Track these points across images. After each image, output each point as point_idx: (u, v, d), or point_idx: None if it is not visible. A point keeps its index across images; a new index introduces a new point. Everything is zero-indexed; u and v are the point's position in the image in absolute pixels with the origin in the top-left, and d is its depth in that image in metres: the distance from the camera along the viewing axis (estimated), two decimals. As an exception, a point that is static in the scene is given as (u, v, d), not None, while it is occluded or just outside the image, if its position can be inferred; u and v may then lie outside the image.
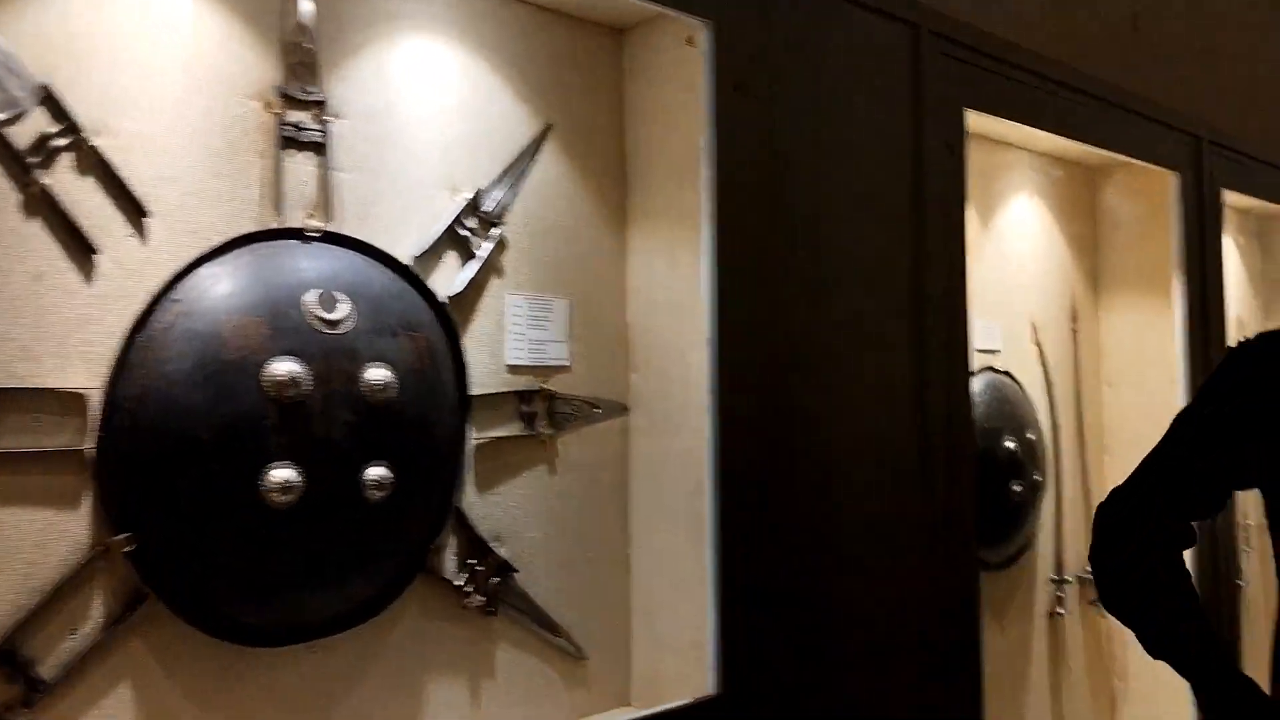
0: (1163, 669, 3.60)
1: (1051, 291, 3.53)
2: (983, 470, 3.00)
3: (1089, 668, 3.57)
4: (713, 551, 2.01)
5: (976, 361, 3.16)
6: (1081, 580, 3.53)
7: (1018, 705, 3.26)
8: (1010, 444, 3.09)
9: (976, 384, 3.11)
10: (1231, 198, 3.85)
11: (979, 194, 3.26)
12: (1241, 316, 4.60)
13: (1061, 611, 3.39)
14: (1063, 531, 3.43)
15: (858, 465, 2.34)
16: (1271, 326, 4.34)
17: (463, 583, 1.94)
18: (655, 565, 2.16)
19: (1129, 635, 3.54)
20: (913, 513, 2.43)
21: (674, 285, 2.14)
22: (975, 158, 3.21)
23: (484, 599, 1.96)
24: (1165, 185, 3.50)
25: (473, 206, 1.99)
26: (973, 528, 2.56)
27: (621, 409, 2.21)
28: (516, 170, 2.06)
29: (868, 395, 2.37)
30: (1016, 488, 3.09)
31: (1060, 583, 3.40)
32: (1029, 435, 3.18)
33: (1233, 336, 4.50)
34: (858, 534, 2.33)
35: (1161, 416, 3.53)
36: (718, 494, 2.01)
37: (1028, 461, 3.16)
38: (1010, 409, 3.16)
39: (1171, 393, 3.50)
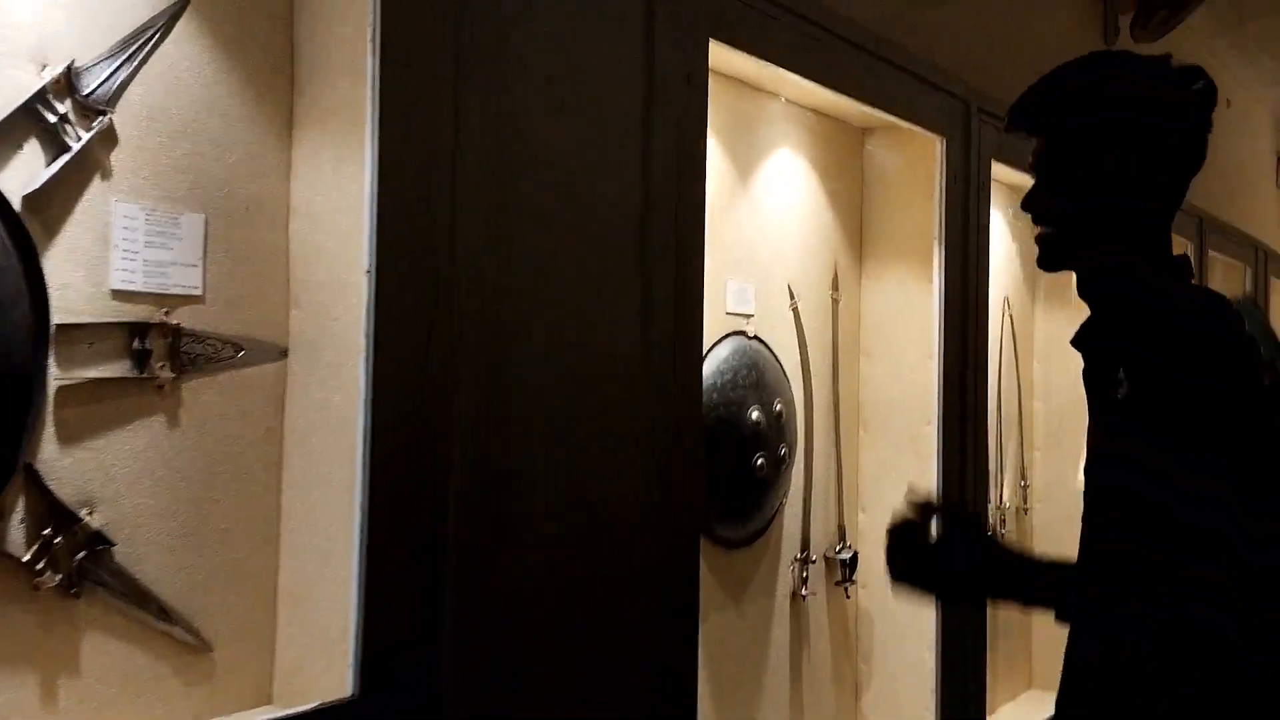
0: (907, 652, 3.52)
1: (813, 256, 3.35)
2: (725, 443, 2.78)
3: (834, 651, 3.44)
4: (360, 525, 1.67)
5: (726, 325, 2.93)
6: (828, 560, 3.38)
7: (755, 689, 3.08)
8: (756, 415, 2.88)
9: (724, 349, 2.89)
10: (1002, 172, 3.77)
11: (737, 145, 3.02)
12: (1009, 296, 4.59)
13: (805, 593, 3.23)
14: (811, 509, 3.27)
15: (564, 431, 2.05)
16: (1040, 308, 4.26)
17: (30, 557, 1.54)
18: (306, 541, 1.81)
19: (874, 616, 3.41)
20: (630, 486, 2.16)
21: (341, 205, 1.78)
22: (735, 105, 2.97)
23: (63, 577, 1.57)
24: (932, 151, 3.36)
25: (66, 86, 1.57)
26: (700, 503, 2.33)
27: (277, 352, 1.84)
28: (136, 46, 1.65)
29: (580, 352, 2.08)
30: (760, 461, 2.89)
31: (805, 562, 3.23)
32: (777, 407, 2.98)
33: (997, 315, 4.48)
34: (561, 509, 2.04)
35: (916, 392, 3.43)
36: (369, 459, 1.67)
37: (774, 434, 2.96)
38: (760, 378, 2.95)
39: (926, 368, 3.38)
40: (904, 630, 3.44)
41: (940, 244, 3.32)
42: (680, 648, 2.30)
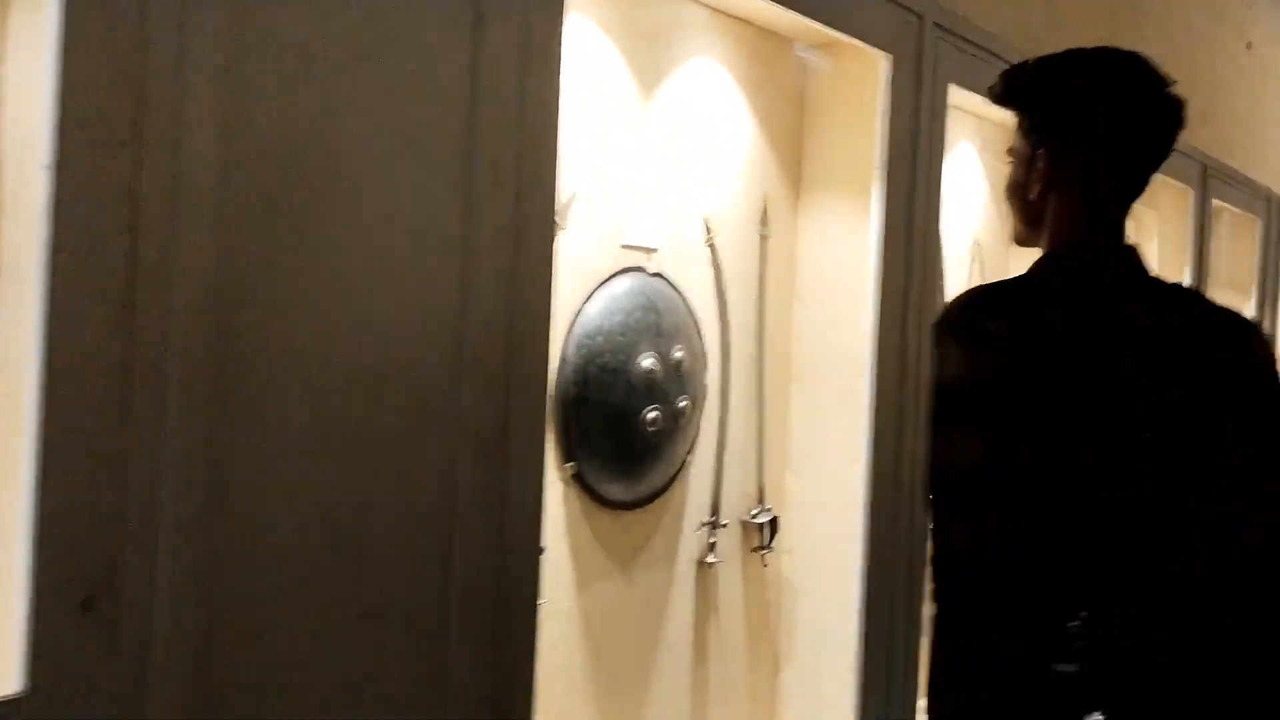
0: (831, 625, 3.21)
1: (739, 187, 2.99)
2: (610, 393, 2.45)
3: (749, 624, 3.13)
4: (33, 493, 1.35)
5: (623, 260, 2.59)
6: (745, 524, 3.07)
7: (649, 664, 2.78)
8: (649, 363, 2.54)
9: (617, 287, 2.55)
10: (969, 100, 3.38)
11: (645, 55, 2.65)
12: (980, 240, 4.21)
13: (714, 559, 2.91)
14: (724, 468, 2.94)
15: (338, 403, 1.72)
16: (1014, 254, 3.86)
17: None
18: None
19: (796, 587, 3.10)
20: (445, 428, 1.83)
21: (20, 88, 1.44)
22: (644, 12, 2.60)
23: None
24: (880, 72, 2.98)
25: None
26: (540, 459, 1.99)
27: (-12, 274, 1.52)
28: None
29: (382, 277, 1.74)
30: (652, 415, 2.55)
31: (715, 526, 2.91)
32: (677, 354, 2.64)
33: (967, 260, 4.10)
34: (345, 465, 1.72)
35: (849, 342, 3.08)
36: (44, 411, 1.35)
37: (673, 385, 2.62)
38: (658, 321, 2.60)
39: (859, 316, 3.03)
40: (828, 601, 3.12)
41: (881, 178, 2.95)
42: (517, 634, 1.98)
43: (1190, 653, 1.11)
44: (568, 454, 2.47)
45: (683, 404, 2.65)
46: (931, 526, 1.36)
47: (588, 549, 2.56)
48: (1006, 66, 3.43)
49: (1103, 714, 1.11)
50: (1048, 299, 1.38)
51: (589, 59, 2.51)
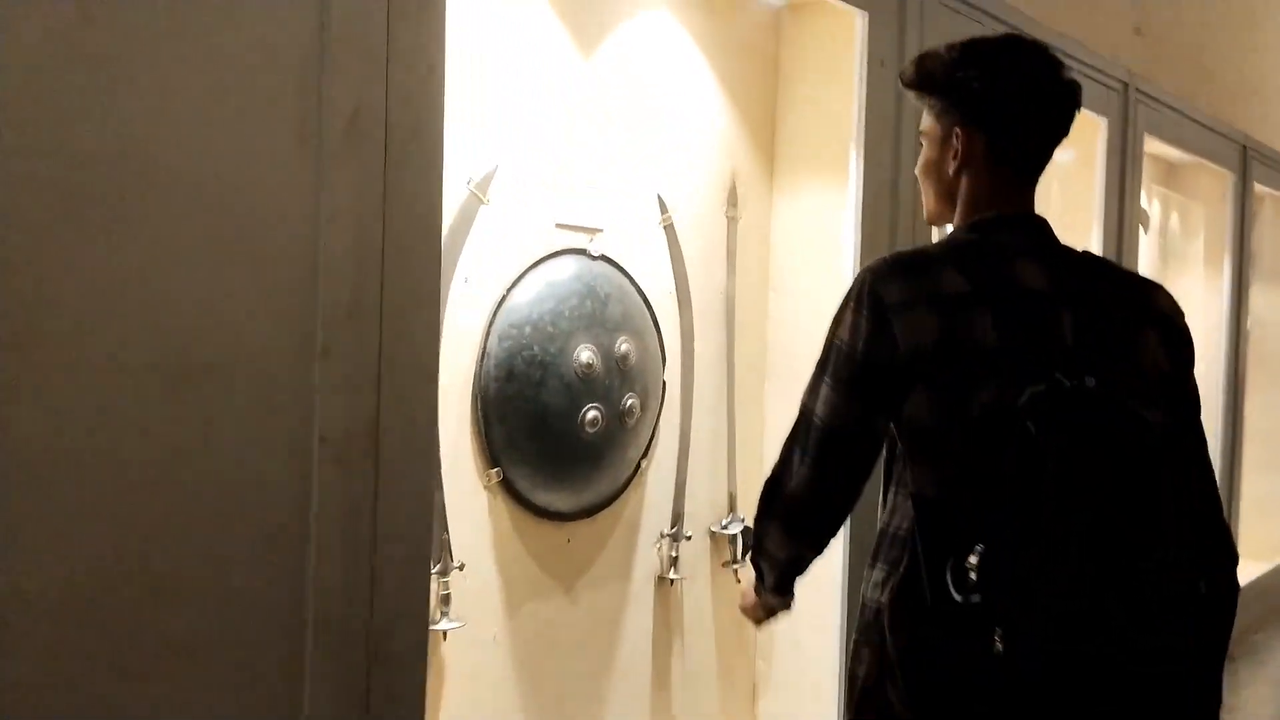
0: (815, 646, 2.89)
1: (702, 162, 2.70)
2: (540, 391, 2.17)
3: (721, 646, 2.83)
4: None
5: (556, 241, 2.31)
6: (714, 536, 2.77)
7: (593, 696, 2.49)
8: (586, 357, 2.26)
9: (552, 272, 2.27)
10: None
11: (582, 6, 2.37)
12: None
13: (676, 575, 2.62)
14: (686, 475, 2.65)
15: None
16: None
17: None
18: None
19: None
20: (292, 433, 1.56)
21: None
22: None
23: None
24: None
25: None
26: (426, 467, 1.71)
27: None
28: None
29: (204, 264, 1.47)
30: (591, 415, 2.27)
31: (676, 539, 2.62)
32: (622, 347, 2.35)
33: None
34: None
35: (823, 332, 2.78)
36: None
37: (615, 381, 2.33)
38: (600, 310, 2.32)
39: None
40: (812, 620, 2.82)
41: (859, 149, 2.64)
42: (407, 666, 1.71)
43: (1078, 578, 1.26)
44: (492, 459, 2.19)
45: (629, 402, 2.36)
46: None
47: (519, 565, 2.28)
48: (1002, 25, 3.15)
49: (1001, 630, 1.25)
50: (957, 265, 1.43)
51: (514, 11, 2.23)
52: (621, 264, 2.45)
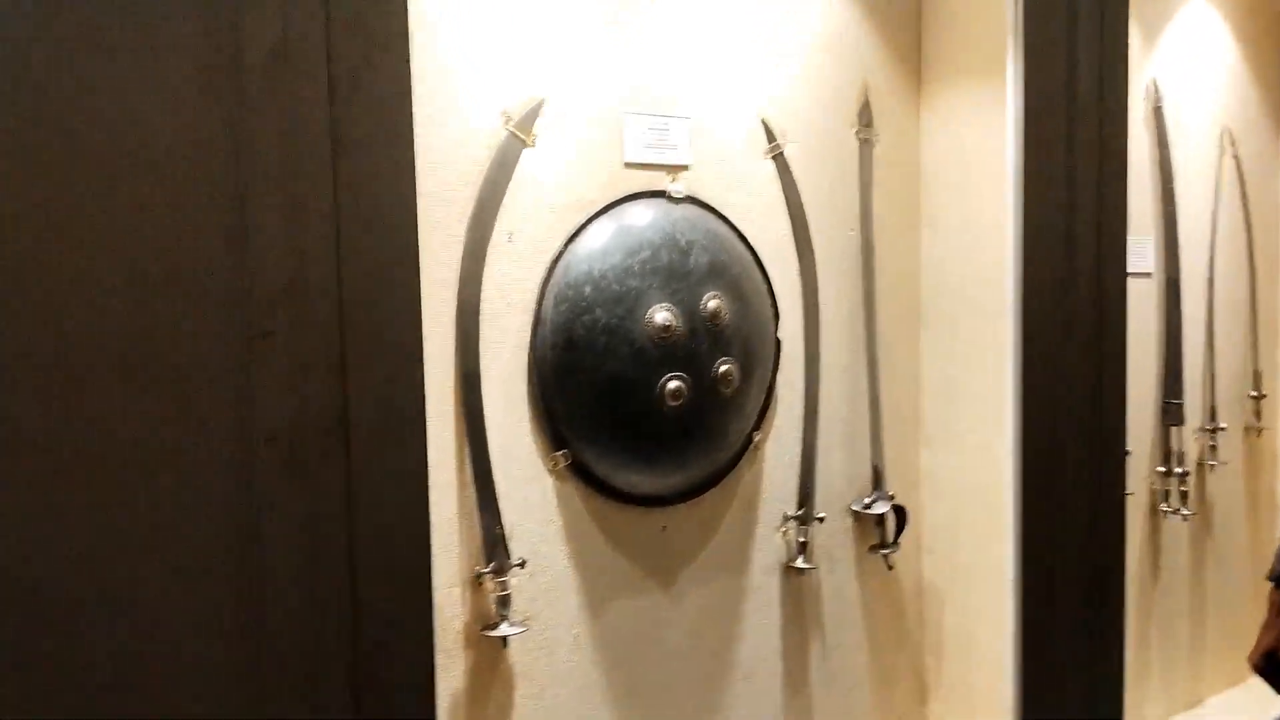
0: (990, 647, 2.45)
1: (822, 74, 2.28)
2: (603, 360, 1.88)
3: (874, 642, 2.44)
4: None
5: (629, 184, 1.99)
6: (858, 516, 2.37)
7: (708, 703, 2.18)
8: (663, 317, 1.92)
9: (625, 218, 1.95)
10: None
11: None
12: (1233, 128, 3.20)
13: (806, 565, 2.25)
14: (816, 446, 2.27)
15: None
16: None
17: None
18: None
19: (943, 593, 2.39)
20: (227, 433, 1.34)
21: None
22: None
23: None
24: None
25: None
26: (416, 462, 1.46)
27: None
28: None
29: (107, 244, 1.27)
30: (673, 385, 1.94)
31: (805, 521, 2.25)
32: (710, 303, 1.99)
33: (1214, 156, 3.12)
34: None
35: (986, 275, 2.31)
36: None
37: (704, 343, 1.99)
38: (680, 261, 1.98)
39: (999, 242, 2.25)
40: (981, 610, 2.38)
41: (1017, 49, 2.14)
42: (414, 687, 1.47)
43: None
44: (557, 440, 1.91)
45: (724, 368, 2.01)
46: None
47: (603, 558, 1.99)
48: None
49: None
50: None
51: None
52: (714, 206, 2.09)
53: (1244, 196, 3.25)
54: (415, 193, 1.43)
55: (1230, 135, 3.19)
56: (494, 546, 1.82)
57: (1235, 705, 3.29)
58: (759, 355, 2.12)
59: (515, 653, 1.88)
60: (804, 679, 2.31)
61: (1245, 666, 3.41)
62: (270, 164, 1.31)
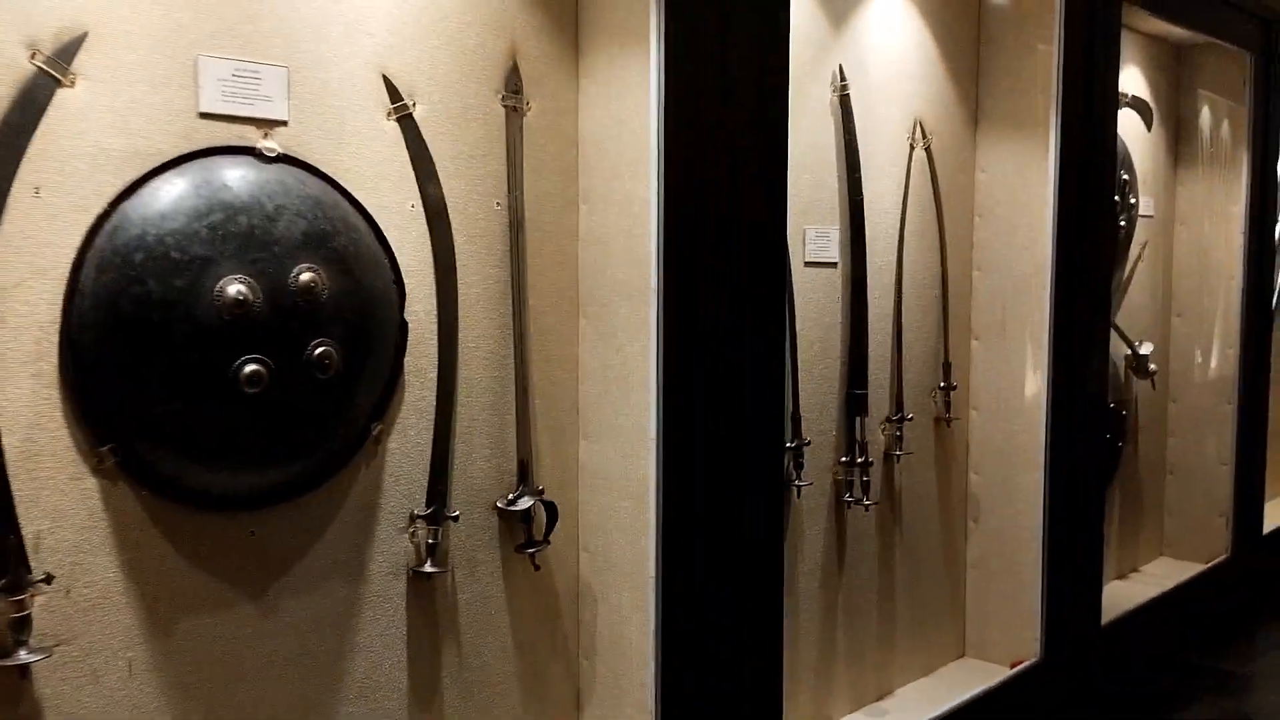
0: (633, 638, 2.27)
1: (460, 35, 2.07)
2: (159, 336, 1.60)
3: (524, 646, 2.27)
4: None
5: (199, 134, 1.73)
6: (502, 514, 2.19)
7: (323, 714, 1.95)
8: (236, 290, 1.67)
9: (198, 175, 1.68)
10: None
11: None
12: (924, 120, 3.20)
13: (434, 569, 2.05)
14: (452, 440, 2.07)
15: None
16: None
17: None
18: None
19: (597, 593, 2.23)
20: None
21: None
22: None
23: None
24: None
25: None
26: None
27: None
28: None
29: None
30: (250, 369, 1.69)
31: (435, 522, 2.05)
32: (303, 275, 1.74)
33: (894, 150, 3.11)
34: None
35: (640, 256, 2.16)
36: None
37: (293, 322, 1.74)
38: (268, 228, 1.73)
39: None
40: (631, 609, 2.25)
41: (659, 19, 2.00)
42: None
43: None
44: (103, 434, 1.63)
45: (321, 350, 1.78)
46: None
47: (167, 570, 1.72)
48: None
49: None
50: None
51: None
52: (321, 168, 1.85)
53: (935, 189, 3.26)
54: None
55: (922, 126, 3.19)
56: (7, 560, 1.52)
57: (926, 694, 3.33)
58: (374, 337, 1.90)
59: (45, 684, 1.59)
60: (434, 692, 2.11)
61: (936, 656, 3.47)
62: None
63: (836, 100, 2.88)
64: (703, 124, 2.12)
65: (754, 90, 2.20)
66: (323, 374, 1.79)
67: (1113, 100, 3.45)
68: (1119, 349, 4.25)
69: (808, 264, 2.85)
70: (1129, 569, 4.55)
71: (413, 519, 2.04)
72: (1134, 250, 4.31)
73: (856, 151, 2.92)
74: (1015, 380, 3.39)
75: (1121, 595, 4.18)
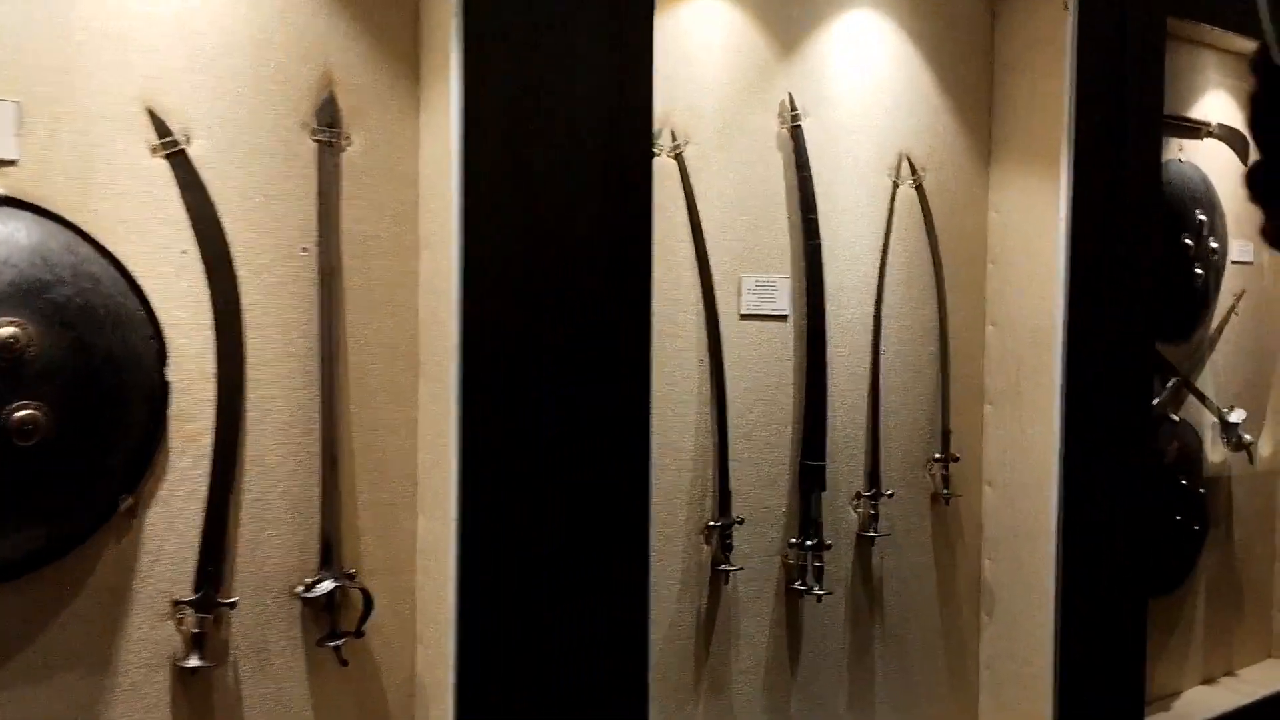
0: None
1: (255, 65, 1.86)
2: None
3: (340, 750, 2.00)
4: None
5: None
6: (305, 600, 1.93)
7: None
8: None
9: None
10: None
11: None
12: (913, 156, 2.80)
13: (198, 663, 1.80)
14: (229, 516, 1.83)
15: None
16: None
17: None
18: None
19: (434, 684, 1.98)
20: None
21: None
22: None
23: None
24: None
25: None
26: None
27: None
28: None
29: None
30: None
31: (205, 608, 1.80)
32: (3, 330, 1.56)
33: (869, 189, 2.72)
34: None
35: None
36: None
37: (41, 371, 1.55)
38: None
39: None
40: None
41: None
42: None
43: None
44: None
45: (23, 414, 1.57)
46: None
47: None
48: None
49: None
50: None
51: None
52: (60, 212, 1.66)
53: (930, 232, 2.84)
54: None
55: (910, 161, 2.79)
56: None
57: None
58: (113, 400, 1.69)
59: None
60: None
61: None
62: None
63: (786, 133, 2.53)
64: (502, 156, 1.84)
65: (604, 117, 1.90)
66: (23, 440, 1.58)
67: (1155, 130, 2.95)
68: (1203, 416, 3.67)
69: (744, 316, 2.50)
70: (1221, 672, 3.90)
71: (176, 605, 1.81)
72: (1223, 301, 3.72)
73: (812, 191, 2.56)
74: (1035, 452, 2.92)
75: (1202, 703, 3.58)
